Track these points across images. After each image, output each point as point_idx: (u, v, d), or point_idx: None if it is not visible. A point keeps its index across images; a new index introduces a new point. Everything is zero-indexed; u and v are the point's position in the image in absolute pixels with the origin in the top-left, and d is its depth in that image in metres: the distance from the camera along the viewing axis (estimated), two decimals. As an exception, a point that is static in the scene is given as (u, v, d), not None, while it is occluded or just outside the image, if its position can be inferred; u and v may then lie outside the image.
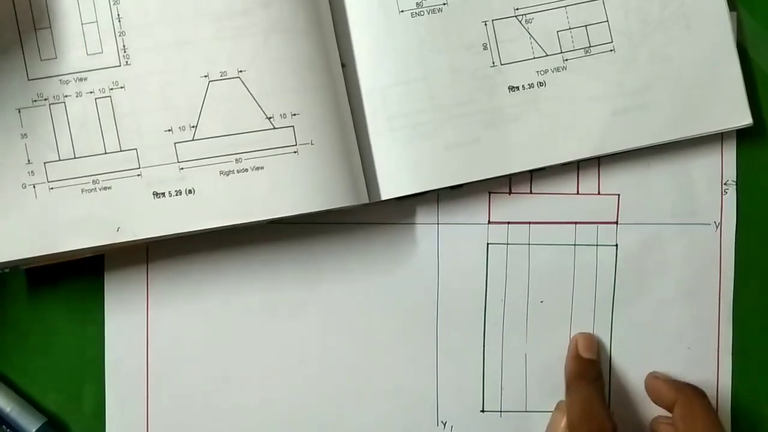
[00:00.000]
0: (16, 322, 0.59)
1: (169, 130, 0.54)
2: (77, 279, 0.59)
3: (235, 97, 0.54)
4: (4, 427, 0.57)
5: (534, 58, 0.60)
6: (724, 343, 0.62)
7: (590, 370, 0.60)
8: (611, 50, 0.60)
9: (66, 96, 0.54)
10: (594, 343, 0.60)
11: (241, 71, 0.54)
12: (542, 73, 0.60)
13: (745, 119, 0.60)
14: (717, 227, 0.63)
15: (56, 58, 0.54)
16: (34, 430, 0.57)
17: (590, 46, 0.60)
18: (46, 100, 0.54)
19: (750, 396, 0.62)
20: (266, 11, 0.55)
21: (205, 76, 0.54)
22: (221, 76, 0.54)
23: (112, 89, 0.54)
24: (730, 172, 0.63)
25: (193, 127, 0.54)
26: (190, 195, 0.54)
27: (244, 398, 0.60)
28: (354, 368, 0.61)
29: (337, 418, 0.61)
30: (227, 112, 0.54)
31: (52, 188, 0.54)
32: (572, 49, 0.60)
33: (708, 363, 0.62)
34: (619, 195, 0.63)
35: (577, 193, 0.62)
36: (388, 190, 0.58)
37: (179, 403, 0.60)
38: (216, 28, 0.55)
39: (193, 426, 0.60)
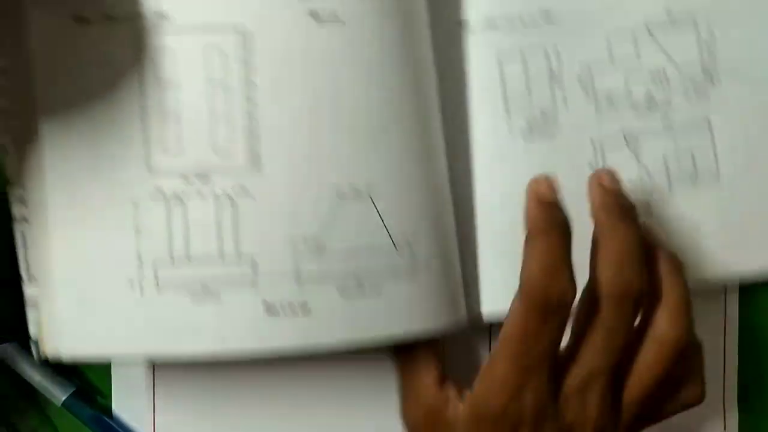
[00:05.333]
0: None
1: (291, 242, 0.51)
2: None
3: (362, 215, 0.52)
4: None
5: (639, 181, 0.59)
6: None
7: (554, 217, 0.51)
8: (716, 180, 0.60)
9: (186, 194, 0.51)
10: (554, 184, 0.53)
11: (371, 189, 0.52)
12: (646, 197, 0.59)
13: None
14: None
15: (181, 153, 0.51)
16: (64, 397, 0.58)
17: (696, 174, 0.60)
18: (164, 195, 0.51)
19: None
20: (401, 129, 0.53)
21: (335, 191, 0.52)
22: (351, 192, 0.52)
23: (236, 193, 0.51)
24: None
25: (316, 241, 0.51)
26: (304, 313, 0.52)
27: None
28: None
29: None
30: (352, 229, 0.52)
31: (159, 288, 0.51)
32: (678, 176, 0.60)
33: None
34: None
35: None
36: (491, 314, 0.58)
37: None
38: (353, 143, 0.52)
39: None
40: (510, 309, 0.48)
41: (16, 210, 0.50)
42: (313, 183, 0.51)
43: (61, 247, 0.51)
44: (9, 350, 0.58)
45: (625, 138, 0.60)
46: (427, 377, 0.52)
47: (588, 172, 0.55)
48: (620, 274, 0.48)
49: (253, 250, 0.52)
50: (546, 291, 0.47)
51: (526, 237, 0.49)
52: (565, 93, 0.58)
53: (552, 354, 0.48)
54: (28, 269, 0.52)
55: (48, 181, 0.51)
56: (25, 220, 0.51)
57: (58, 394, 0.59)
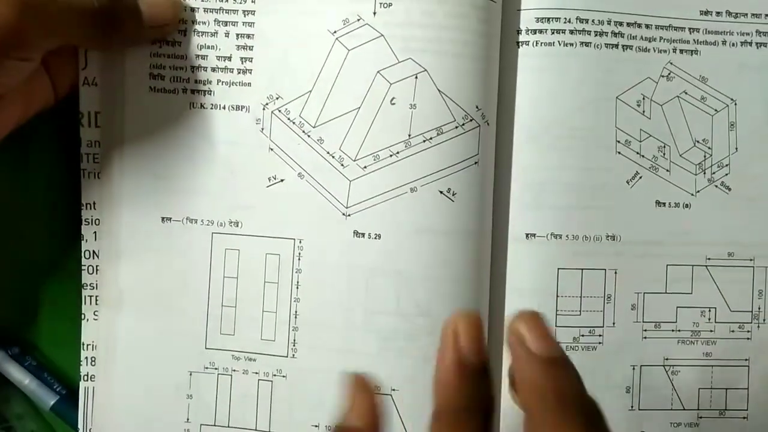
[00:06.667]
0: None
1: (317, 426, 0.58)
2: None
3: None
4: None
5: (671, 409, 0.62)
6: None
7: (476, 388, 0.38)
8: (744, 417, 0.62)
9: (234, 370, 0.58)
10: (482, 332, 0.38)
11: (393, 390, 0.57)
12: (675, 425, 0.62)
13: None
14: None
15: (234, 335, 0.58)
16: (52, 402, 0.62)
17: (725, 409, 0.62)
18: (216, 369, 0.58)
19: None
20: (431, 338, 0.57)
21: None
22: (375, 391, 0.56)
23: (275, 375, 0.58)
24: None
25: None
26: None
27: None
28: None
29: None
30: (373, 424, 0.56)
31: (202, 449, 0.56)
32: (708, 408, 0.62)
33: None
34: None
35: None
36: None
37: None
38: (381, 345, 0.57)
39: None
40: None
41: (83, 369, 0.58)
42: (340, 377, 0.56)
43: (122, 403, 0.60)
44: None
45: (664, 364, 0.62)
46: None
47: (625, 394, 0.61)
48: None
49: (282, 430, 0.59)
50: None
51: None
52: (615, 314, 0.60)
53: None
54: (92, 416, 0.60)
55: (119, 347, 0.60)
56: (91, 378, 0.60)
57: (46, 398, 0.60)
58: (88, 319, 0.59)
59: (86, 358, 0.59)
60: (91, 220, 0.58)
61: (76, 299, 0.58)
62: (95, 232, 0.59)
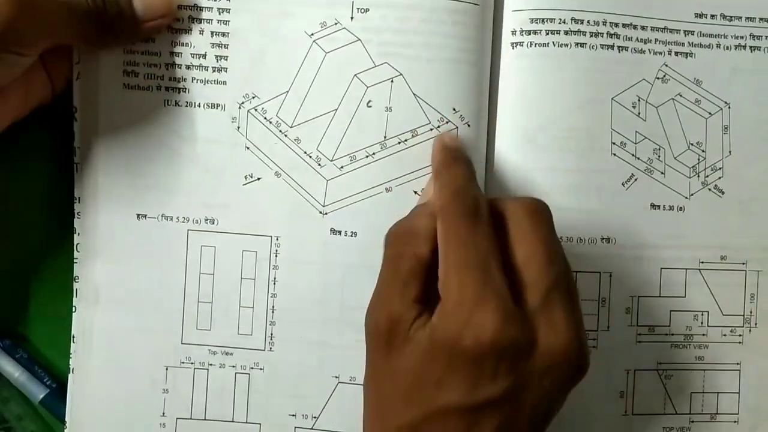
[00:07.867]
0: None
1: (293, 415, 0.59)
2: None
3: (358, 402, 0.56)
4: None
5: (664, 414, 0.61)
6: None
7: (459, 155, 0.54)
8: (735, 422, 0.62)
9: (211, 364, 0.59)
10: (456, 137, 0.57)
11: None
12: (668, 430, 0.62)
13: None
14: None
15: (210, 330, 0.59)
16: (41, 396, 0.61)
17: (717, 413, 0.62)
18: (192, 364, 0.59)
19: None
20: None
21: (336, 377, 0.58)
22: (350, 380, 0.58)
23: (252, 368, 0.59)
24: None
25: (315, 417, 0.58)
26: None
27: None
28: None
29: None
30: (348, 412, 0.58)
31: (178, 439, 0.57)
32: (700, 412, 0.62)
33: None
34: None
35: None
36: None
37: None
38: (357, 338, 0.58)
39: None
40: (439, 231, 0.47)
41: (71, 362, 0.58)
42: (317, 368, 0.59)
43: (100, 395, 0.61)
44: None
45: (658, 369, 0.62)
46: (408, 285, 0.48)
47: (619, 399, 0.61)
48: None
49: (260, 420, 0.60)
50: (464, 201, 0.47)
51: (433, 174, 0.53)
52: (609, 318, 0.60)
53: (496, 258, 0.46)
54: (72, 409, 0.60)
55: (95, 342, 0.60)
56: (72, 371, 0.60)
57: (36, 392, 0.61)
58: (78, 312, 0.59)
59: (74, 351, 0.59)
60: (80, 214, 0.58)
61: (67, 292, 0.58)
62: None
